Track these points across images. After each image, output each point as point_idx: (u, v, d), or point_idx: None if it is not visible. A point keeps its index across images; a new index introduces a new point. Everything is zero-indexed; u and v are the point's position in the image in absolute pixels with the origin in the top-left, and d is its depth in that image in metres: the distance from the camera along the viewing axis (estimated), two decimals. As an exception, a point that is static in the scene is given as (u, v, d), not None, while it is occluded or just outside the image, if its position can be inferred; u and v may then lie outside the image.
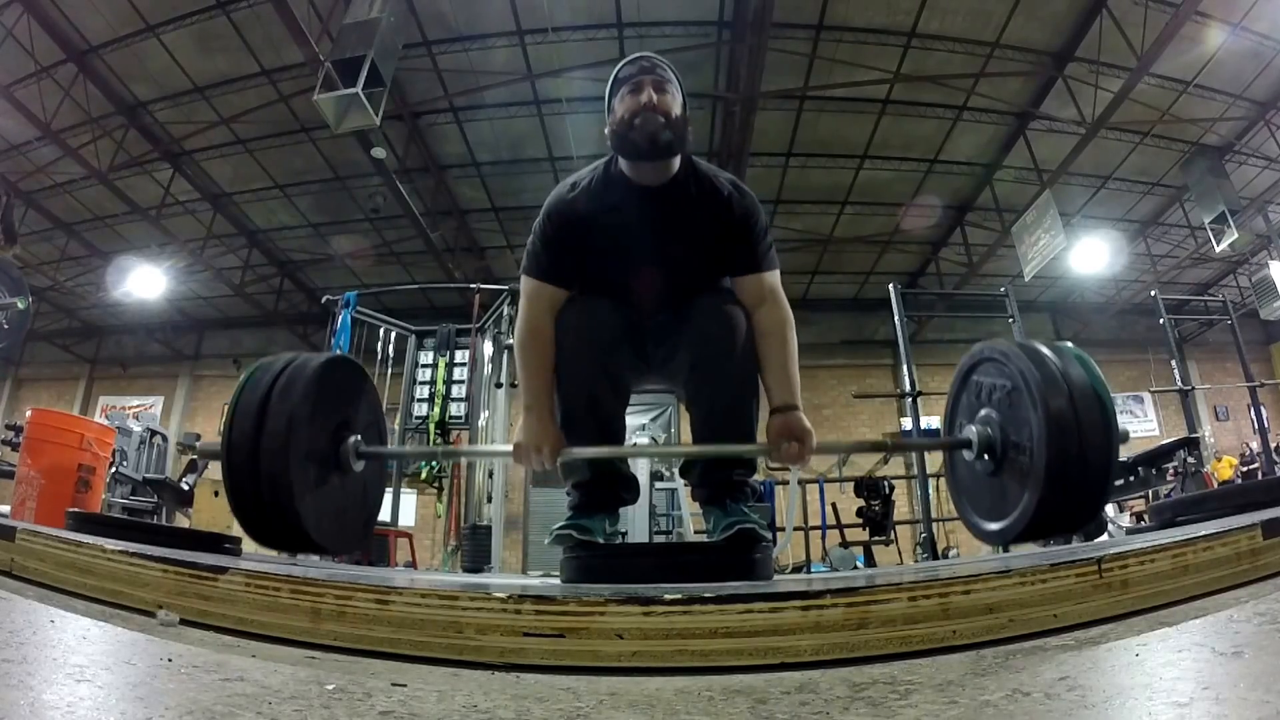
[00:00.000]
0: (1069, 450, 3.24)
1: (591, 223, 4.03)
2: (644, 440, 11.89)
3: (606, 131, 4.00)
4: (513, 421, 14.14)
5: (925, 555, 12.03)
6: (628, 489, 4.47)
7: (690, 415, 4.22)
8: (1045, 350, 3.49)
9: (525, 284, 4.15)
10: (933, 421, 24.38)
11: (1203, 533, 2.52)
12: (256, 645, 2.29)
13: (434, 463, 13.66)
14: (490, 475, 13.04)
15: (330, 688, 1.76)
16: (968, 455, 3.81)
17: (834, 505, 16.02)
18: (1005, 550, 3.63)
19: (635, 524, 11.29)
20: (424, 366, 14.24)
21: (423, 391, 14.03)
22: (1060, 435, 3.23)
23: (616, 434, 4.25)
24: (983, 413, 3.75)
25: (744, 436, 4.07)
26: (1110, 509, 13.52)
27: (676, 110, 3.92)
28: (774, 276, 4.06)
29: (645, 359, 4.27)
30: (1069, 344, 3.61)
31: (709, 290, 4.07)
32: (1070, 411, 3.27)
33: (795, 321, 3.95)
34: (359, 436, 3.78)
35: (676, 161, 3.98)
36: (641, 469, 9.59)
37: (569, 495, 4.37)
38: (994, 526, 3.76)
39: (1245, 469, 21.10)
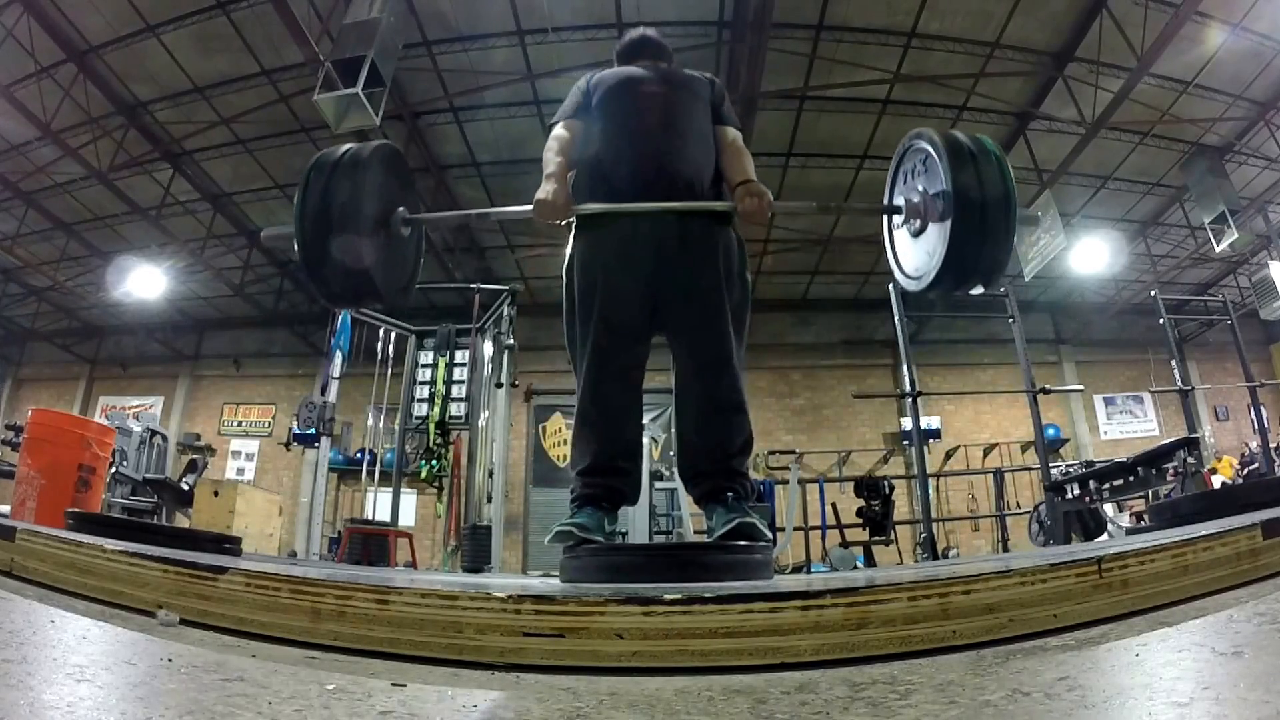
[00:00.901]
0: (973, 203, 4.00)
1: (610, 80, 5.11)
2: (643, 440, 11.90)
3: (614, 58, 5.52)
4: (513, 421, 14.22)
5: (925, 555, 12.04)
6: (629, 488, 4.58)
7: (680, 370, 4.66)
8: (959, 135, 4.24)
9: (555, 128, 5.00)
10: (933, 421, 24.39)
11: (1203, 533, 2.51)
12: (256, 645, 2.28)
13: (434, 462, 13.63)
14: (490, 475, 13.04)
15: (330, 687, 1.76)
16: (898, 220, 4.61)
17: (834, 505, 16.05)
18: (934, 291, 4.09)
19: (635, 524, 11.32)
20: (424, 366, 14.26)
21: (423, 391, 14.06)
22: (965, 192, 3.99)
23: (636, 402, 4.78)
24: (911, 184, 4.48)
25: (731, 386, 4.52)
26: (1110, 509, 13.54)
27: (661, 39, 5.47)
28: (738, 133, 5.09)
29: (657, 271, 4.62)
30: (980, 136, 4.32)
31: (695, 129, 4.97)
32: (974, 174, 4.03)
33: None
34: (403, 208, 4.64)
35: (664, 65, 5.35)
36: (641, 468, 9.59)
37: (571, 492, 4.49)
38: (919, 276, 4.49)
39: (1245, 469, 21.11)
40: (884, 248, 5.09)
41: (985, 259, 4.20)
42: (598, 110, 4.97)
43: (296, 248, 4.32)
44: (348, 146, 4.50)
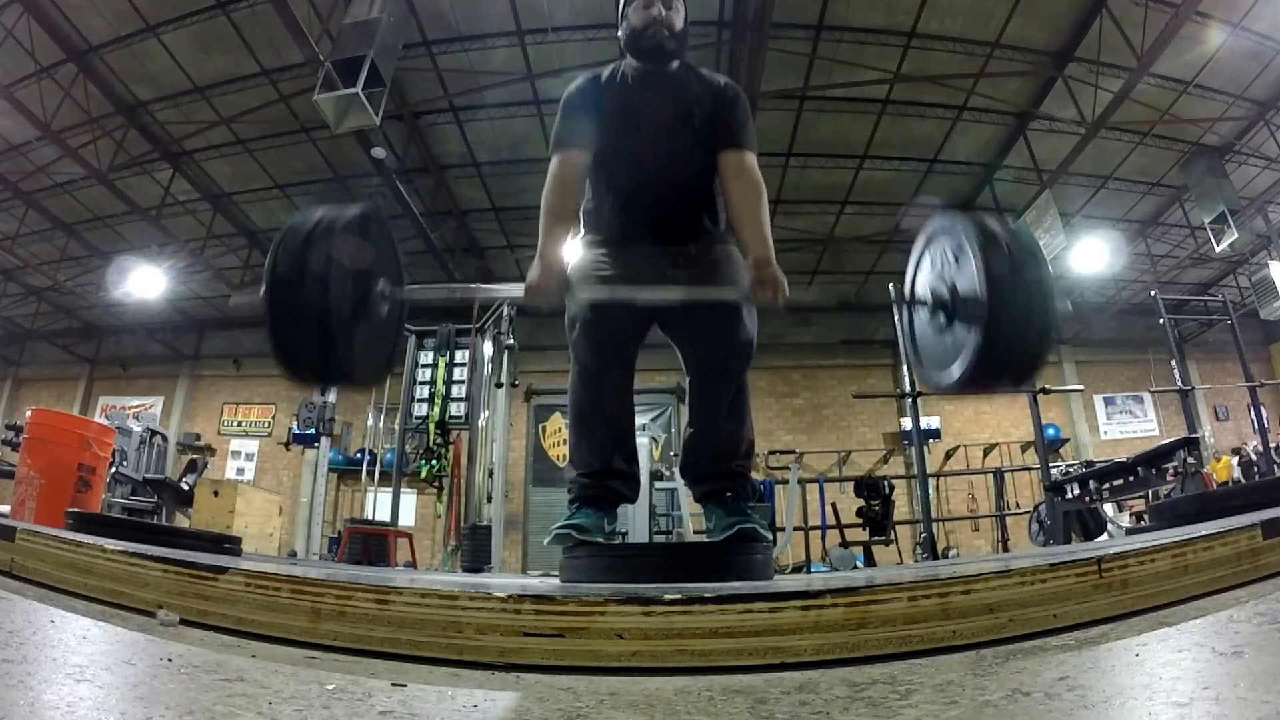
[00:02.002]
0: (1008, 302, 3.59)
1: (608, 99, 4.67)
2: (643, 441, 11.89)
3: (619, 34, 4.80)
4: (512, 422, 14.22)
5: (925, 555, 12.04)
6: (628, 487, 4.55)
7: (684, 361, 4.63)
8: (989, 220, 3.84)
9: (553, 163, 4.61)
10: (933, 421, 24.41)
11: (1203, 533, 2.51)
12: (256, 645, 2.29)
13: (434, 462, 13.64)
14: (490, 475, 13.05)
15: (330, 687, 1.76)
16: (923, 312, 4.20)
17: (834, 505, 16.05)
18: (961, 391, 3.88)
19: (635, 523, 11.31)
20: (424, 366, 14.25)
21: (422, 391, 14.05)
22: (998, 293, 3.56)
23: (629, 421, 4.68)
24: (936, 273, 4.10)
25: (742, 440, 4.47)
26: (1110, 508, 13.54)
27: (680, 24, 4.71)
28: (753, 157, 4.60)
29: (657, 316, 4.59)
30: (1013, 221, 3.97)
31: (701, 158, 4.59)
32: (1008, 271, 3.61)
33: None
34: (385, 280, 4.12)
35: (676, 64, 4.77)
36: (641, 469, 9.58)
37: (569, 491, 4.48)
38: (945, 375, 4.07)
39: (1242, 468, 21.12)
40: (903, 338, 4.80)
41: (1019, 365, 3.96)
42: (592, 132, 4.62)
43: (266, 327, 3.94)
44: (322, 212, 4.07)
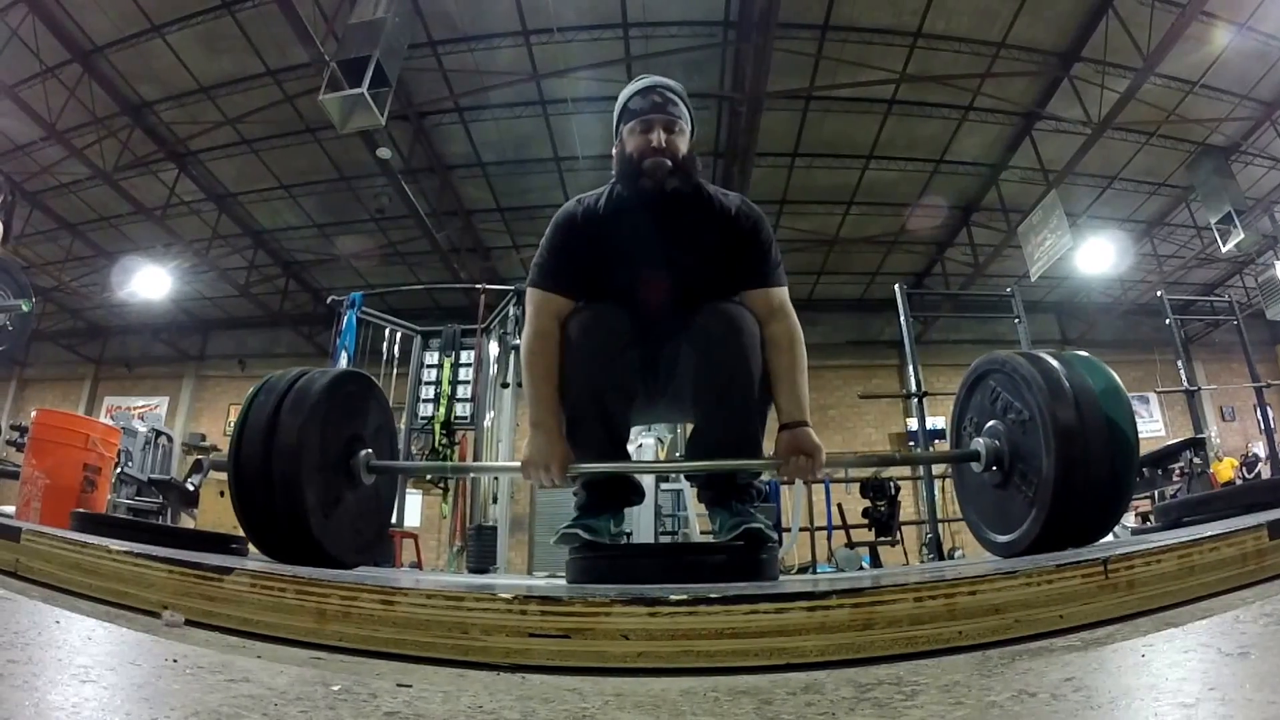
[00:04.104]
0: (1076, 468, 3.25)
1: (600, 230, 4.09)
2: (649, 441, 11.90)
3: (614, 156, 4.14)
4: (519, 422, 14.18)
5: (931, 556, 12.05)
6: (633, 489, 4.51)
7: (695, 423, 4.34)
8: (1053, 363, 3.48)
9: (531, 296, 4.13)
10: (938, 421, 24.35)
11: (1209, 533, 2.52)
12: (262, 646, 2.29)
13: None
14: (496, 476, 13.03)
15: (335, 688, 1.76)
16: (976, 468, 3.85)
17: (840, 506, 16.01)
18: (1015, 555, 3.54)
19: (641, 524, 11.31)
20: (429, 367, 14.29)
21: (428, 392, 14.06)
22: (1067, 453, 3.24)
23: (622, 440, 4.34)
24: (990, 425, 3.77)
25: (750, 443, 4.12)
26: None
27: (684, 149, 4.00)
28: (783, 293, 4.09)
29: (653, 368, 4.30)
30: (1083, 354, 3.63)
31: (716, 297, 4.05)
32: (1079, 429, 3.27)
33: (801, 321, 3.96)
34: (369, 450, 3.88)
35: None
36: (647, 470, 9.57)
37: (575, 495, 4.40)
38: (1002, 538, 3.79)
39: (1247, 468, 21.10)
40: (957, 493, 4.47)
41: (1091, 529, 3.61)
42: (584, 275, 4.12)
43: (231, 495, 3.69)
44: (299, 373, 3.85)
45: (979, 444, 3.82)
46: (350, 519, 3.91)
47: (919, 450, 14.94)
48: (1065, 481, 3.28)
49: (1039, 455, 3.39)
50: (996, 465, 3.73)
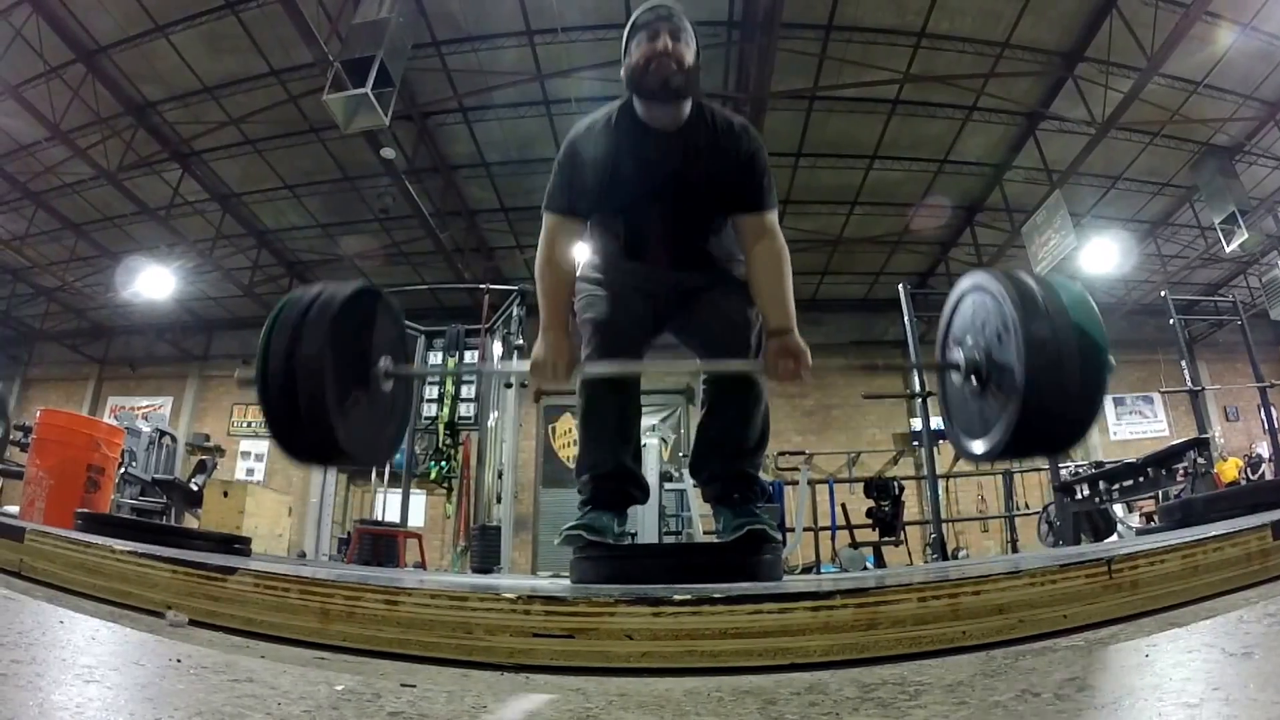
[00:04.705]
0: (1047, 373, 3.42)
1: (606, 145, 4.28)
2: (653, 441, 11.91)
3: (622, 73, 4.31)
4: (521, 423, 14.23)
5: (935, 556, 12.06)
6: (638, 488, 4.53)
7: (701, 382, 4.58)
8: (1028, 280, 3.66)
9: (545, 220, 4.37)
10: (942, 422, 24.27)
11: (1213, 533, 2.53)
12: (265, 646, 2.31)
13: (444, 463, 13.71)
14: (500, 476, 13.06)
15: (339, 688, 1.77)
16: (955, 377, 4.03)
17: (843, 506, 16.04)
18: (990, 462, 3.76)
19: (645, 524, 11.33)
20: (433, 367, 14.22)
21: (432, 392, 14.09)
22: (1038, 358, 3.42)
23: (633, 416, 4.57)
24: (970, 338, 3.93)
25: (756, 441, 4.46)
26: (1120, 509, 13.52)
27: (689, 58, 4.19)
28: (773, 216, 4.34)
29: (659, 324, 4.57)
30: (1059, 277, 3.81)
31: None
32: (1050, 336, 3.45)
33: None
34: (387, 358, 4.05)
35: (688, 106, 4.26)
36: (651, 470, 9.59)
37: (580, 493, 4.47)
38: (978, 444, 3.96)
39: (1251, 469, 21.10)
40: (939, 403, 4.59)
41: (1056, 440, 3.89)
42: (593, 193, 4.32)
43: (260, 408, 3.78)
44: (320, 288, 3.93)
45: (958, 355, 3.98)
46: (369, 423, 4.07)
47: (920, 448, 14.90)
48: (1035, 386, 3.43)
49: (1012, 363, 3.55)
50: (975, 375, 3.87)
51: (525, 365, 4.15)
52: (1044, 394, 3.44)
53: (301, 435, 3.78)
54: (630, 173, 4.25)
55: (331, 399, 3.68)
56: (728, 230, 4.47)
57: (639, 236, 4.45)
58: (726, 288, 4.44)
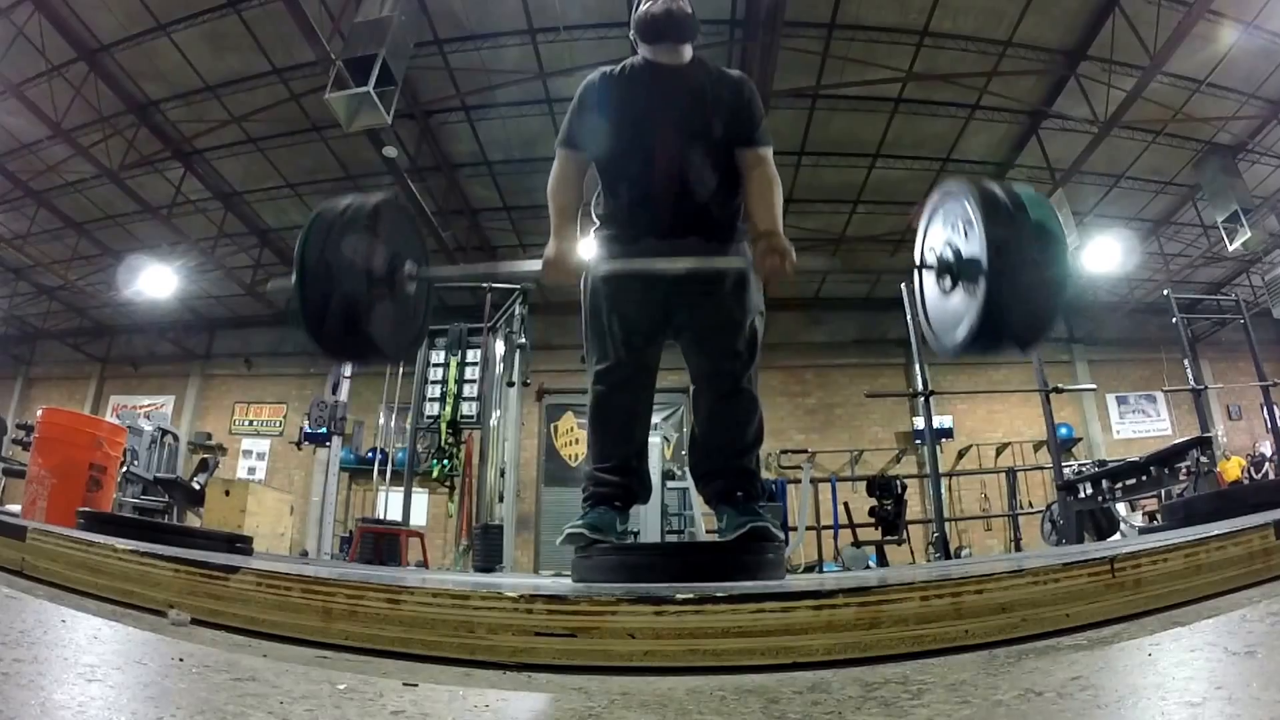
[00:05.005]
0: (1007, 258, 3.73)
1: (617, 94, 4.65)
2: (654, 439, 11.91)
3: (630, 28, 4.77)
4: (524, 421, 14.24)
5: (938, 555, 12.05)
6: (641, 488, 4.62)
7: (693, 372, 4.71)
8: (994, 187, 3.92)
9: (557, 154, 4.72)
10: (945, 420, 24.30)
11: (1216, 532, 2.52)
12: (268, 645, 2.30)
13: (446, 461, 13.72)
14: (502, 475, 13.05)
15: (342, 687, 1.77)
16: (929, 276, 4.29)
17: (846, 504, 16.05)
18: (966, 353, 4.00)
19: (647, 523, 11.34)
20: (435, 366, 14.35)
21: (434, 391, 14.15)
22: (998, 245, 3.71)
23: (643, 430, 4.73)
24: (944, 241, 4.18)
25: (749, 447, 4.56)
26: (1123, 508, 13.52)
27: (688, 7, 4.60)
28: (768, 151, 4.71)
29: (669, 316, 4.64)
30: (1029, 191, 4.00)
31: (719, 169, 4.63)
32: (1009, 227, 3.75)
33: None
34: (411, 263, 4.43)
35: (689, 50, 4.71)
36: (653, 468, 9.60)
37: (584, 490, 4.54)
38: (950, 337, 4.20)
39: (1254, 467, 21.11)
40: (915, 303, 5.05)
41: (1020, 326, 4.05)
42: (602, 128, 4.67)
43: (296, 305, 4.19)
44: (351, 199, 4.39)
45: (931, 256, 4.22)
46: (394, 320, 4.40)
47: (923, 447, 14.92)
48: (998, 274, 3.68)
49: (978, 254, 3.78)
50: (947, 273, 4.09)
51: (537, 264, 4.42)
52: (1006, 277, 3.68)
53: (334, 325, 4.11)
54: (638, 109, 4.58)
55: (362, 291, 4.08)
56: (731, 202, 4.72)
57: (645, 188, 4.62)
58: (723, 287, 4.56)
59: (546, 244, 4.46)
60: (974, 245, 3.87)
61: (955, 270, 4.03)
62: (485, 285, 14.62)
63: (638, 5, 4.73)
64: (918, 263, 4.41)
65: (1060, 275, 3.85)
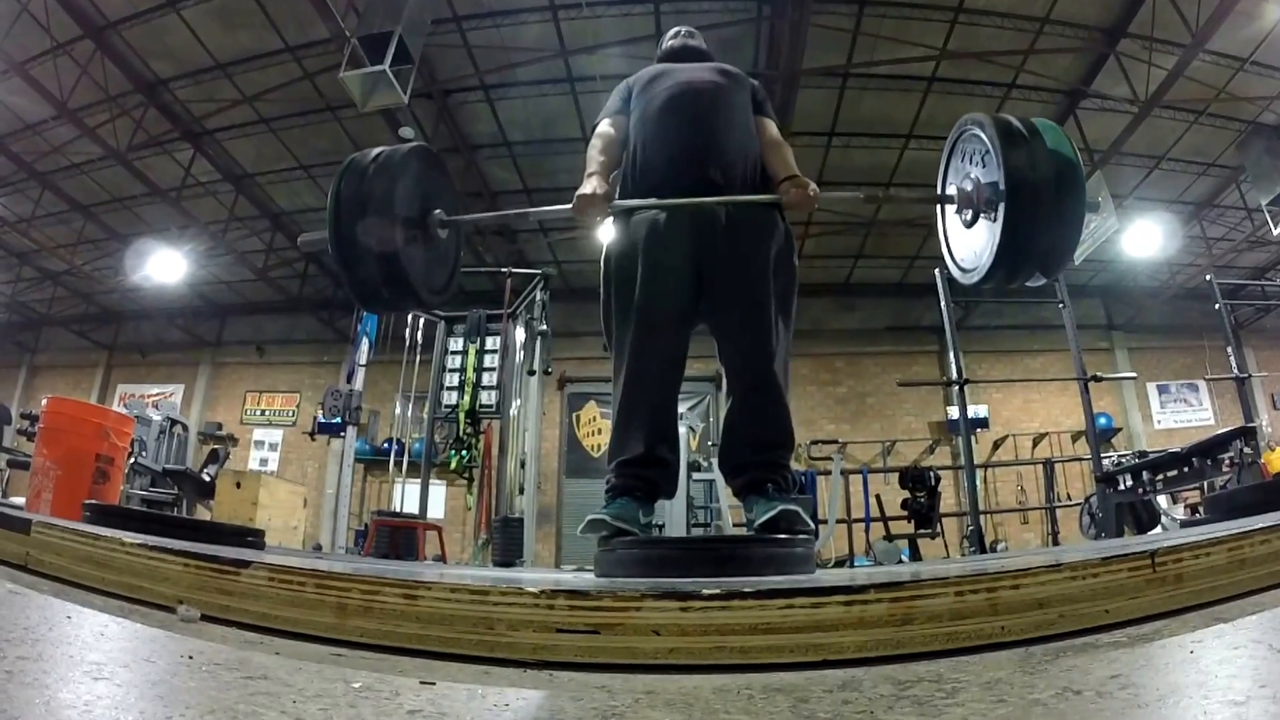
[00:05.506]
0: (1025, 189, 4.03)
1: (650, 72, 5.31)
2: (680, 430, 11.92)
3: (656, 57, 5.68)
4: (545, 410, 14.26)
5: (972, 549, 12.04)
6: (666, 481, 4.65)
7: (724, 359, 4.73)
8: (1012, 118, 4.26)
9: (600, 125, 5.19)
10: (980, 410, 24.24)
11: (1260, 525, 2.50)
12: (280, 642, 2.30)
13: (464, 452, 13.74)
14: (522, 466, 13.07)
15: (357, 686, 1.77)
16: (951, 209, 4.67)
17: (878, 497, 16.07)
18: (990, 282, 4.19)
19: (672, 516, 11.37)
20: (453, 354, 14.36)
21: (452, 379, 14.15)
22: (1017, 176, 4.01)
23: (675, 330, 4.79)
24: (964, 173, 4.51)
25: (784, 424, 4.59)
26: (1164, 500, 13.50)
27: (703, 45, 5.68)
28: (774, 124, 5.25)
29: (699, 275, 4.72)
30: (1044, 120, 4.36)
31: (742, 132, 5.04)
32: (1027, 160, 4.04)
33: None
34: (441, 210, 4.94)
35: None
36: (679, 461, 9.63)
37: (606, 482, 4.56)
38: (971, 269, 4.58)
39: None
40: (938, 238, 5.17)
41: (1041, 250, 4.25)
42: (638, 103, 5.12)
43: (331, 250, 4.57)
44: (381, 149, 4.74)
45: (953, 189, 4.58)
46: (427, 263, 4.87)
47: (958, 437, 14.93)
48: (1016, 201, 4.01)
49: (998, 186, 4.08)
50: (969, 207, 4.40)
51: (568, 208, 4.65)
52: (1025, 201, 4.02)
53: (372, 276, 4.57)
54: (671, 77, 5.14)
55: (396, 234, 4.49)
56: (752, 144, 5.03)
57: (674, 108, 4.97)
58: (757, 249, 4.68)
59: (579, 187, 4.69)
60: (992, 173, 4.12)
61: (976, 200, 4.29)
62: (506, 271, 14.60)
63: (662, 42, 5.79)
64: (940, 187, 4.77)
65: (1077, 199, 4.06)
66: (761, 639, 2.06)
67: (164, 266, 23.78)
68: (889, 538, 15.28)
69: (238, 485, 15.05)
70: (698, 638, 2.07)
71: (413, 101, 15.19)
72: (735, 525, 12.10)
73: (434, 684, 1.83)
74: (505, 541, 11.73)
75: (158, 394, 28.68)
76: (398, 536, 12.69)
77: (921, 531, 14.95)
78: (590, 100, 18.19)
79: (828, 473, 14.87)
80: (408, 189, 4.66)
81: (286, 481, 19.47)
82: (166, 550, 2.80)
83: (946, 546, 16.26)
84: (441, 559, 13.86)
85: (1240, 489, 8.76)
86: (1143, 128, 18.15)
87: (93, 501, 7.18)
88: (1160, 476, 11.71)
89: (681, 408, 8.87)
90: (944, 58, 17.30)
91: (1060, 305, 12.78)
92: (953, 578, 2.19)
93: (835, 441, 24.92)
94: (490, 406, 13.92)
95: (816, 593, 2.11)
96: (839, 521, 14.72)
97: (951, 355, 12.77)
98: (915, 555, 14.80)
